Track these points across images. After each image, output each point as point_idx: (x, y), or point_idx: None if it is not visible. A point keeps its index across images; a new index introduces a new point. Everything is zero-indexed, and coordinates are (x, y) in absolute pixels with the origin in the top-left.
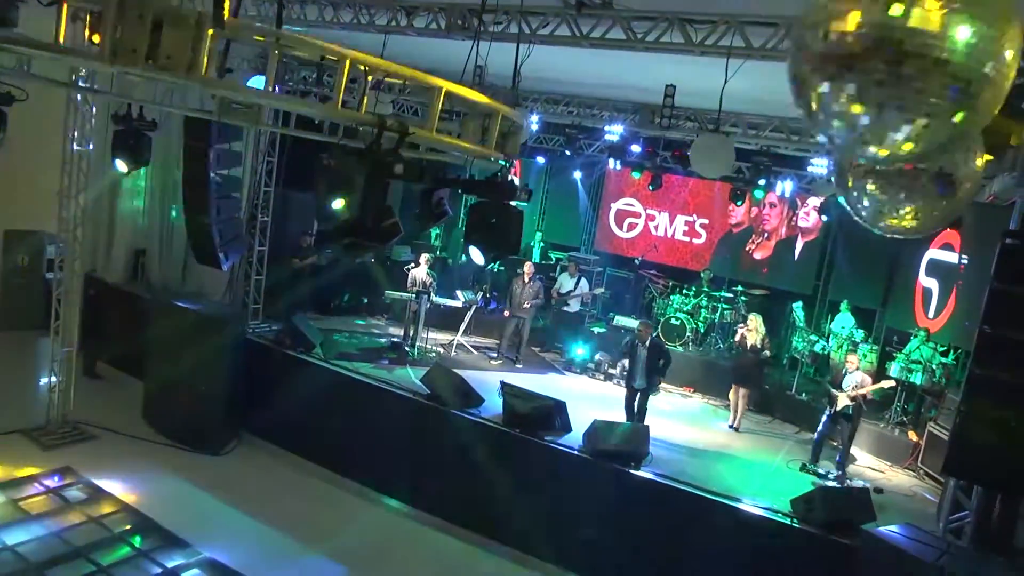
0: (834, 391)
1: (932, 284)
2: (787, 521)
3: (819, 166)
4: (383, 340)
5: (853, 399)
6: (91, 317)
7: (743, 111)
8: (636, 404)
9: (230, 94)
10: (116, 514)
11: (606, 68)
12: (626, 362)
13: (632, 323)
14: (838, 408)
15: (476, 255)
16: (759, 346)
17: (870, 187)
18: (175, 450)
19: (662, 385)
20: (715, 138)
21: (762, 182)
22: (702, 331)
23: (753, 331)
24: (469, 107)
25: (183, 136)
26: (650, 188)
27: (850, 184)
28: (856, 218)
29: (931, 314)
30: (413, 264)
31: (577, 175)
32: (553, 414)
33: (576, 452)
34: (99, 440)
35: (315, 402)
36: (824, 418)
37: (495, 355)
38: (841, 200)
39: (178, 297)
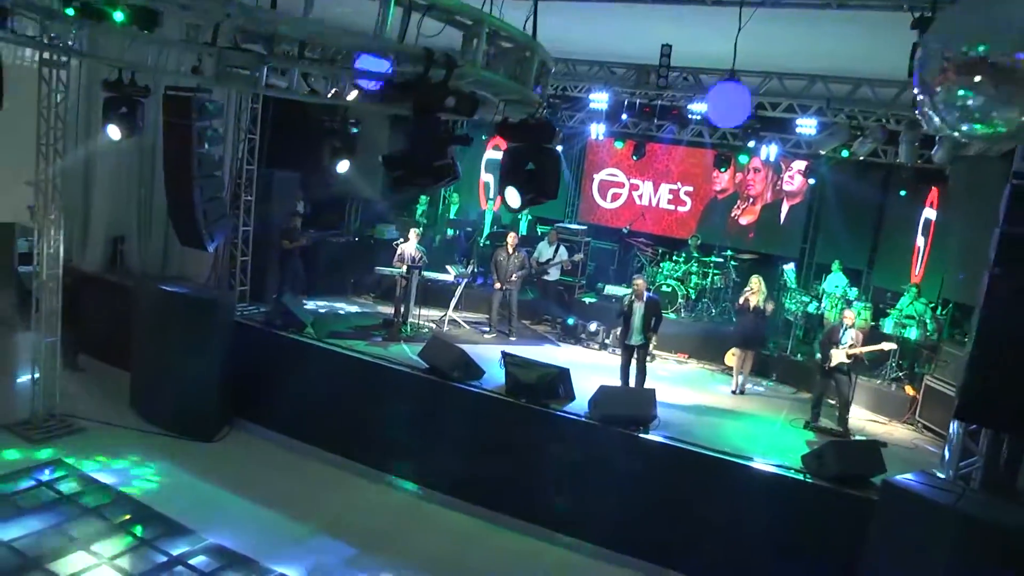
0: (831, 348)
1: (921, 242)
2: (800, 477)
3: (806, 127)
4: (374, 318)
5: (850, 356)
6: (69, 308)
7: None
8: (635, 362)
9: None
10: (114, 504)
11: (599, 30)
12: (618, 330)
13: (622, 291)
14: (834, 364)
15: (513, 198)
16: (762, 307)
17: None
18: (166, 438)
19: (657, 353)
20: (731, 86)
21: (752, 144)
22: (693, 297)
23: (756, 292)
24: (509, 42)
25: (162, 114)
26: (634, 158)
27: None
28: (936, 118)
29: (917, 270)
30: (402, 239)
31: (558, 148)
32: (557, 382)
33: (583, 419)
34: (87, 432)
35: (310, 383)
36: (818, 376)
37: (488, 329)
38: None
39: (162, 282)
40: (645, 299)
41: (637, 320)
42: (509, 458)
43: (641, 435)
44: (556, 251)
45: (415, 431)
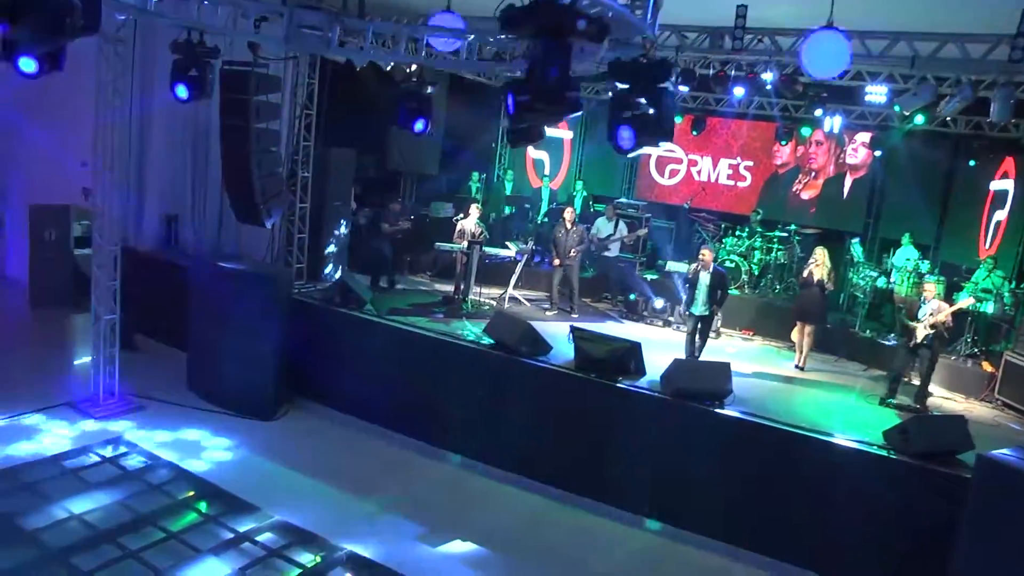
0: (912, 323)
1: (1000, 215)
2: (884, 453)
3: (876, 94)
4: (433, 295)
5: (933, 327)
6: (126, 289)
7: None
8: (699, 332)
9: None
10: (177, 481)
11: None
12: (682, 305)
13: (684, 267)
14: (918, 339)
15: (626, 139)
16: (825, 280)
17: None
18: (226, 417)
19: (723, 330)
20: (829, 34)
21: (818, 112)
22: (756, 273)
23: (821, 265)
24: None
25: (219, 90)
26: (693, 132)
27: None
28: None
29: (987, 244)
30: (462, 215)
31: None
32: (628, 357)
33: (657, 395)
34: (147, 410)
35: (371, 360)
36: (902, 351)
37: (548, 306)
38: None
39: (219, 259)
40: (712, 270)
41: (702, 290)
42: (579, 435)
43: (717, 410)
44: (616, 227)
45: (481, 408)
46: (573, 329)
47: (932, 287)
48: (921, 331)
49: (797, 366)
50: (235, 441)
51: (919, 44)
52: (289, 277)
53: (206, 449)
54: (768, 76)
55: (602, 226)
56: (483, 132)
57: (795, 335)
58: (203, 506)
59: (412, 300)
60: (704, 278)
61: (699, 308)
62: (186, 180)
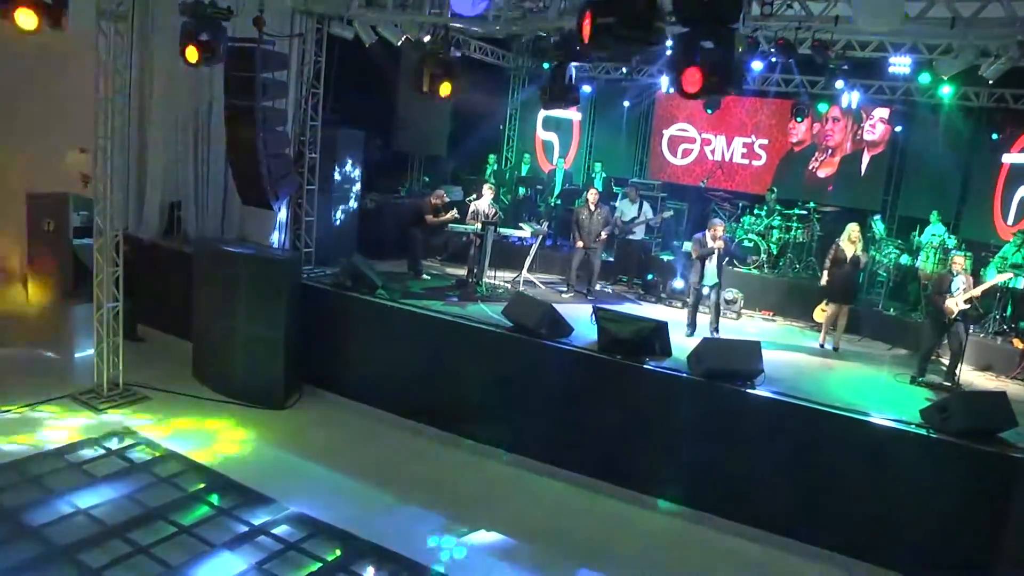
0: (943, 298)
1: (1013, 191)
2: (923, 432)
3: (900, 64)
4: (445, 279)
5: (968, 302)
6: (128, 278)
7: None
8: (712, 301)
9: None
10: (186, 473)
11: None
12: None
13: None
14: (954, 315)
15: (691, 82)
16: (859, 257)
17: None
18: (235, 406)
19: (743, 311)
20: None
21: (840, 84)
22: (775, 252)
23: (855, 242)
24: None
25: (224, 68)
26: (708, 111)
27: None
28: None
29: (1010, 220)
30: (476, 196)
31: (625, 104)
32: (653, 337)
33: (686, 375)
34: (152, 401)
35: (384, 346)
36: (931, 329)
37: (565, 289)
38: None
39: (224, 243)
40: (723, 241)
41: (713, 264)
42: (604, 420)
43: (749, 390)
44: (640, 209)
45: (501, 393)
46: (596, 309)
47: (961, 260)
48: (954, 306)
49: (821, 345)
50: (245, 431)
51: (959, 4)
52: (297, 261)
53: (216, 440)
54: (802, 37)
55: (625, 209)
56: (492, 114)
57: (819, 315)
58: (215, 499)
59: (425, 284)
60: (717, 250)
61: (710, 279)
62: (188, 164)
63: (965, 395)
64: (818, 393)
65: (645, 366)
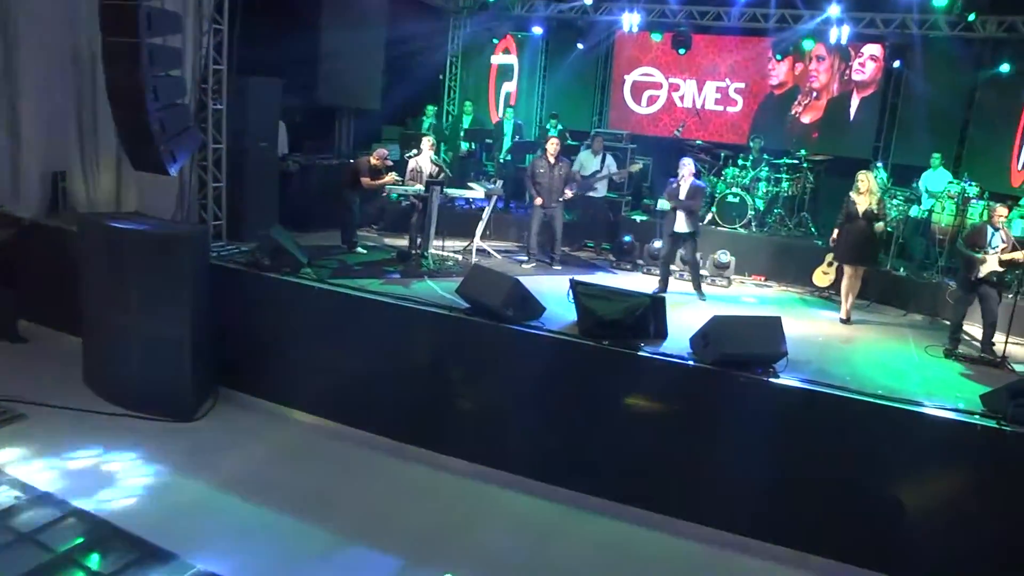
0: (977, 255)
1: None
2: (991, 424)
3: None
4: (383, 251)
5: (1004, 263)
6: (5, 265)
7: None
8: (684, 256)
9: None
10: (59, 524)
11: None
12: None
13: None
14: (983, 274)
15: None
16: (874, 210)
17: None
18: (133, 420)
19: (734, 277)
20: None
21: (835, 10)
22: (762, 209)
23: (867, 193)
24: None
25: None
26: (680, 51)
27: None
28: None
29: (1020, 165)
30: (415, 151)
31: (579, 45)
32: (647, 316)
33: (694, 364)
34: (28, 420)
35: (316, 338)
36: (959, 293)
37: (525, 258)
38: None
39: (112, 219)
40: (691, 184)
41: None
42: (594, 423)
43: (771, 379)
44: (603, 161)
45: (461, 393)
46: (574, 284)
47: (1004, 212)
48: (987, 265)
49: (844, 319)
50: (143, 455)
51: None
52: (204, 237)
53: (103, 471)
54: None
55: (586, 161)
56: (431, 62)
57: (820, 278)
58: (94, 560)
59: (361, 258)
60: (683, 190)
61: (682, 226)
62: (70, 124)
63: None
64: (849, 376)
65: (640, 353)
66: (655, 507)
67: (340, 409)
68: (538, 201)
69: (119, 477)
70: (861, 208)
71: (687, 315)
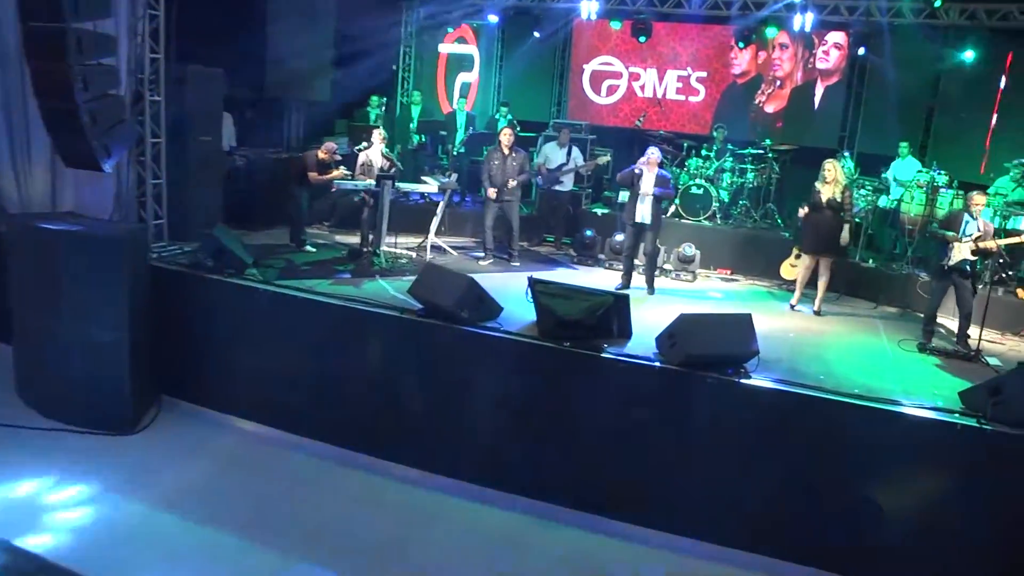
0: (950, 236)
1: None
2: (972, 423)
3: None
4: (334, 249)
5: (976, 251)
6: None
7: None
8: (644, 248)
9: None
10: None
11: None
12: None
13: None
14: (954, 262)
15: None
16: (840, 200)
17: None
18: (68, 435)
19: (699, 271)
20: None
21: None
22: (727, 200)
23: (833, 182)
24: None
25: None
26: (641, 39)
27: None
28: None
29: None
30: (365, 144)
31: (536, 34)
32: (611, 315)
33: (660, 365)
34: None
35: (261, 342)
36: (934, 280)
37: (482, 254)
38: None
39: (43, 219)
40: (657, 173)
41: (646, 195)
42: (554, 428)
43: (742, 380)
44: (569, 154)
45: (418, 398)
46: (533, 282)
47: (982, 199)
48: (959, 252)
49: (792, 306)
50: (78, 475)
51: None
52: (142, 237)
53: (35, 495)
54: None
55: (552, 154)
56: (385, 53)
57: (787, 271)
58: None
59: (310, 257)
60: (648, 179)
61: (643, 216)
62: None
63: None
64: (822, 374)
65: (604, 355)
66: (622, 516)
67: (288, 417)
68: (491, 192)
69: (49, 501)
70: (826, 197)
71: (652, 312)
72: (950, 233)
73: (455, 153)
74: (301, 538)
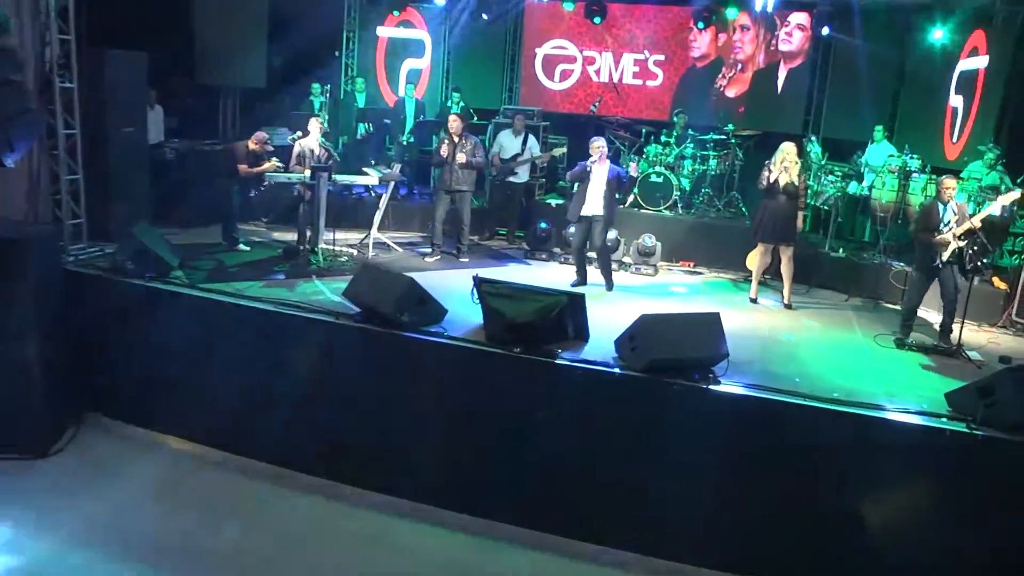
0: (934, 235)
1: (958, 102)
2: (960, 428)
3: None
4: (270, 248)
5: (963, 235)
6: None
7: None
8: (593, 240)
9: None
10: None
11: None
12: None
13: None
14: (947, 256)
15: None
16: (795, 184)
17: None
18: None
19: (661, 264)
20: None
21: None
22: (688, 189)
23: (791, 167)
24: None
25: None
26: (596, 21)
27: None
28: None
29: (955, 138)
30: (300, 134)
31: (483, 16)
32: (565, 316)
33: (620, 372)
34: None
35: (186, 352)
36: (920, 276)
37: (429, 250)
38: None
39: None
40: (608, 166)
41: (596, 188)
42: (508, 442)
43: (710, 386)
44: (524, 143)
45: (358, 412)
46: (479, 281)
47: (952, 184)
48: (949, 244)
49: (753, 299)
50: None
51: None
52: (54, 239)
53: None
54: None
55: (507, 143)
56: (321, 36)
57: (752, 261)
58: None
59: (243, 257)
60: (599, 172)
61: (591, 208)
62: None
63: (1016, 371)
64: (797, 376)
65: (558, 361)
66: (583, 535)
67: (218, 434)
68: (446, 177)
69: None
70: (784, 183)
71: (611, 311)
72: (941, 235)
73: (403, 143)
74: (230, 570)
